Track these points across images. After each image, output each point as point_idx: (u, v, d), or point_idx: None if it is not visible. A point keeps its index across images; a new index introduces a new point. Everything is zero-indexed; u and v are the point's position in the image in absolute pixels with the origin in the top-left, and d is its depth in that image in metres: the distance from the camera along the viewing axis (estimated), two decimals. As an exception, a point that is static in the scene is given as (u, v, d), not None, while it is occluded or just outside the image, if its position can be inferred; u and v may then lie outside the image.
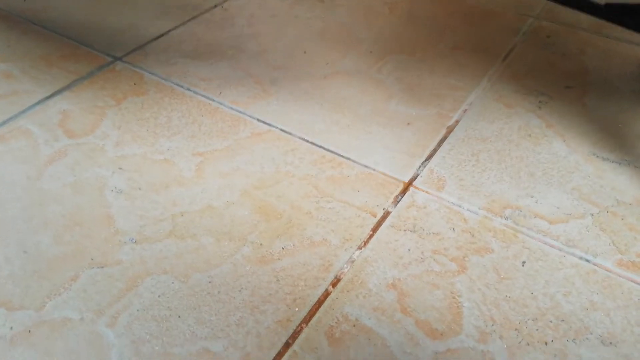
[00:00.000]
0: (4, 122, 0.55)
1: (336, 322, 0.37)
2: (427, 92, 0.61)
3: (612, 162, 0.52)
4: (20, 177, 0.49)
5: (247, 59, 0.66)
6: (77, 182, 0.48)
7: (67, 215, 0.45)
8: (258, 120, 0.56)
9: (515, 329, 0.37)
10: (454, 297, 0.39)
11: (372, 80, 0.62)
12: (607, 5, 0.60)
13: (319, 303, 0.39)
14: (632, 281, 0.40)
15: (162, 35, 0.70)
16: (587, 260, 0.42)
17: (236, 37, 0.70)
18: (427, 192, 0.48)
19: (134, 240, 0.42)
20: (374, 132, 0.55)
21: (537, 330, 0.37)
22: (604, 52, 0.68)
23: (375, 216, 0.45)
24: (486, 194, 0.48)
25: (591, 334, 0.37)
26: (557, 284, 0.40)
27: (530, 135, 0.55)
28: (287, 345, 0.36)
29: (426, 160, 0.51)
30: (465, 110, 0.58)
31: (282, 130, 0.55)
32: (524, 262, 0.41)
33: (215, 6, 0.76)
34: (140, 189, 0.48)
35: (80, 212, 0.45)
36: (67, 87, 0.60)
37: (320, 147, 0.53)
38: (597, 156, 0.52)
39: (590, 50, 0.68)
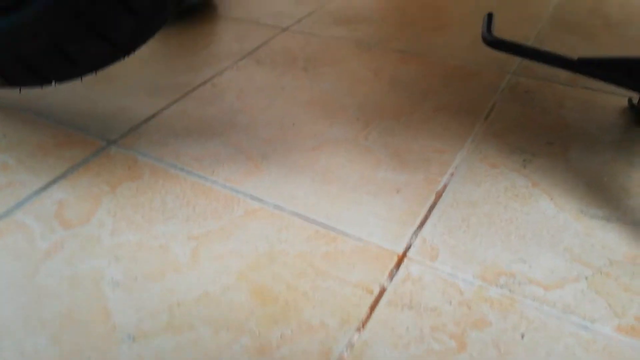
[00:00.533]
0: (1, 217, 0.56)
1: (339, 412, 0.37)
2: (414, 156, 0.62)
3: (601, 218, 0.52)
4: (16, 274, 0.49)
5: (238, 134, 0.67)
6: (73, 275, 0.49)
7: (65, 312, 0.45)
8: (251, 197, 0.57)
9: (520, 407, 0.37)
10: (455, 376, 0.39)
11: (359, 148, 0.64)
12: (580, 60, 0.63)
13: (321, 392, 0.38)
14: (632, 348, 0.40)
15: (154, 115, 0.72)
16: (586, 328, 0.42)
17: (226, 112, 0.72)
18: (421, 263, 0.48)
19: (131, 338, 0.42)
20: (364, 202, 0.56)
21: (541, 406, 0.37)
22: (582, 104, 0.70)
23: (371, 293, 0.46)
24: (479, 260, 0.48)
25: (596, 407, 0.36)
26: (558, 356, 0.40)
27: (517, 196, 0.56)
28: None
29: (418, 228, 0.52)
30: (452, 174, 0.59)
31: (275, 206, 0.56)
32: (523, 334, 0.41)
33: (205, 82, 0.79)
34: (136, 279, 0.48)
35: (78, 309, 0.45)
36: (62, 176, 0.61)
37: (313, 221, 0.54)
38: (585, 213, 0.53)
39: (569, 103, 0.70)
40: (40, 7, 0.52)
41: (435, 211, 0.54)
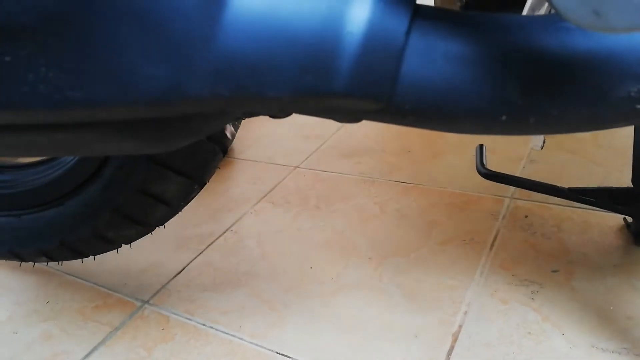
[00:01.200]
0: (47, 392, 0.60)
1: None
2: (427, 296, 0.66)
3: (612, 352, 0.55)
4: None
5: (260, 284, 0.72)
6: None
7: None
8: (277, 353, 0.61)
9: None
10: None
11: (375, 291, 0.68)
12: (570, 189, 0.68)
13: None
14: None
15: (182, 270, 0.78)
16: None
17: (248, 261, 0.78)
18: (444, 417, 0.50)
19: None
20: (385, 350, 0.59)
21: None
22: (580, 226, 0.74)
23: None
24: (501, 410, 0.50)
25: None
26: None
27: (530, 333, 0.58)
28: None
29: (438, 377, 0.55)
30: (465, 312, 0.63)
31: (300, 361, 0.59)
32: None
33: (226, 230, 0.86)
34: None
35: None
36: (102, 342, 0.66)
37: (338, 376, 0.57)
38: (597, 348, 0.55)
39: (567, 226, 0.75)
40: (82, 203, 0.60)
41: (453, 357, 0.57)
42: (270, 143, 1.16)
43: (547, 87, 0.26)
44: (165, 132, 0.28)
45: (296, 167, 1.03)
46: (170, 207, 0.61)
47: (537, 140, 0.52)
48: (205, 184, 0.62)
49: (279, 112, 0.28)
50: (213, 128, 0.31)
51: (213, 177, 1.03)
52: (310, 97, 0.25)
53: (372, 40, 0.24)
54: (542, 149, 0.53)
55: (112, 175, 0.58)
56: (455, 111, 0.26)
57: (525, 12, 0.41)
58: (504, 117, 0.27)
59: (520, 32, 0.25)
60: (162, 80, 0.24)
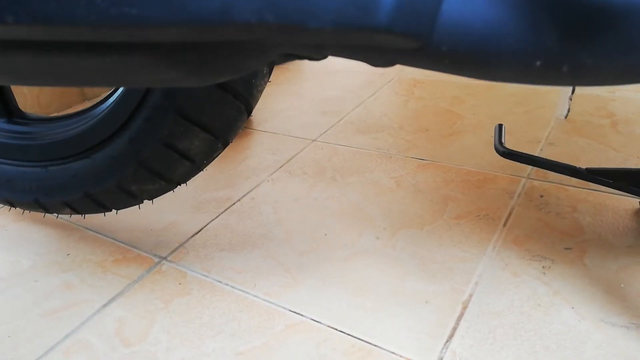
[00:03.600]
0: (68, 336, 0.63)
1: None
2: (439, 266, 0.67)
3: (621, 326, 0.55)
4: (85, 394, 0.54)
5: (276, 247, 0.74)
6: (134, 395, 0.54)
7: None
8: (290, 311, 0.63)
9: None
10: None
11: (388, 259, 0.69)
12: (588, 170, 0.68)
13: None
14: None
15: (199, 230, 0.79)
16: None
17: (264, 225, 0.79)
18: (452, 377, 0.52)
19: None
20: (396, 315, 0.60)
21: None
22: (595, 207, 0.75)
23: (407, 409, 0.49)
24: (508, 374, 0.51)
25: None
26: None
27: (539, 305, 0.59)
28: None
29: (447, 341, 0.56)
30: (476, 283, 0.64)
31: (312, 320, 0.61)
32: None
33: (244, 195, 0.87)
34: (191, 397, 0.53)
35: None
36: (120, 293, 0.68)
37: (349, 335, 0.58)
38: (606, 322, 0.56)
39: (582, 207, 0.75)
40: (109, 155, 0.62)
41: (462, 323, 0.58)
42: (288, 117, 1.17)
43: (583, 35, 0.26)
44: (206, 63, 0.29)
45: (314, 140, 1.04)
46: (194, 164, 0.62)
47: (562, 108, 0.52)
48: (229, 143, 0.63)
49: (318, 49, 0.29)
50: (250, 65, 0.32)
51: (232, 146, 1.05)
52: (351, 31, 0.25)
53: (416, -25, 0.25)
54: (566, 118, 0.53)
55: (139, 128, 0.59)
56: (491, 54, 0.27)
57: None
58: (538, 63, 0.27)
59: (561, -23, 0.25)
60: (212, 1, 0.25)
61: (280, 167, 0.95)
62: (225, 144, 0.63)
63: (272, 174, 0.93)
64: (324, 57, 0.31)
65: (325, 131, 1.07)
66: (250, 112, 0.62)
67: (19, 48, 0.29)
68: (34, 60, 0.30)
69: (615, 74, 0.28)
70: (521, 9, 0.26)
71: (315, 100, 1.24)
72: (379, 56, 0.29)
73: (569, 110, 0.53)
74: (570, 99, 0.57)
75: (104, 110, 0.63)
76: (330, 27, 0.25)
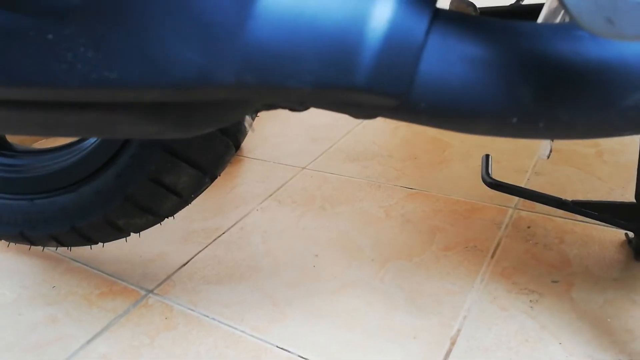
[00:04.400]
0: (50, 373, 0.61)
1: None
2: (427, 299, 0.67)
3: (608, 363, 0.55)
4: None
5: (264, 279, 0.74)
6: None
7: None
8: (277, 347, 0.62)
9: None
10: None
11: (376, 291, 0.69)
12: (574, 202, 0.69)
13: None
14: None
15: (187, 262, 0.79)
16: None
17: (252, 256, 0.79)
18: (440, 417, 0.51)
19: None
20: (384, 350, 0.60)
21: None
22: (582, 239, 0.75)
23: None
24: (496, 413, 0.51)
25: None
26: None
27: (527, 340, 0.59)
28: None
29: (435, 378, 0.56)
30: (464, 317, 0.63)
31: (300, 356, 0.60)
32: None
33: (233, 225, 0.87)
34: None
35: None
36: (106, 328, 0.67)
37: (337, 372, 0.58)
38: (593, 358, 0.56)
39: (569, 238, 0.76)
40: (95, 190, 0.61)
41: (451, 359, 0.58)
42: (278, 144, 1.17)
43: (559, 92, 0.27)
44: (188, 118, 0.29)
45: (303, 168, 1.04)
46: (181, 198, 0.62)
47: (544, 149, 0.53)
48: (216, 177, 0.63)
49: (299, 104, 0.29)
50: (233, 117, 0.32)
51: (222, 174, 1.05)
52: (331, 90, 0.26)
53: (393, 38, 0.25)
54: (548, 158, 0.54)
55: (126, 164, 0.59)
56: (468, 111, 0.28)
57: (539, 22, 0.42)
58: (514, 120, 0.28)
59: (535, 38, 0.26)
60: (193, 65, 0.25)
61: (270, 195, 0.96)
62: (213, 178, 0.64)
63: (261, 203, 0.93)
64: (306, 108, 0.31)
65: (315, 159, 1.08)
66: (239, 146, 0.62)
67: (2, 105, 0.29)
68: (17, 115, 0.30)
69: (590, 128, 0.29)
70: (495, 69, 0.26)
71: (305, 127, 1.25)
72: (360, 111, 0.29)
73: (551, 151, 0.54)
74: (552, 140, 0.59)
75: (91, 145, 0.63)
76: (309, 87, 0.26)
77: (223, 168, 0.63)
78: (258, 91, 0.26)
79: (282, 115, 1.34)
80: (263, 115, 1.34)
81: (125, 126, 0.30)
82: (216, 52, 0.25)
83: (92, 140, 0.63)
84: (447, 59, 0.26)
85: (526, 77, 0.26)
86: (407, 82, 0.26)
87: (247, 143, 1.18)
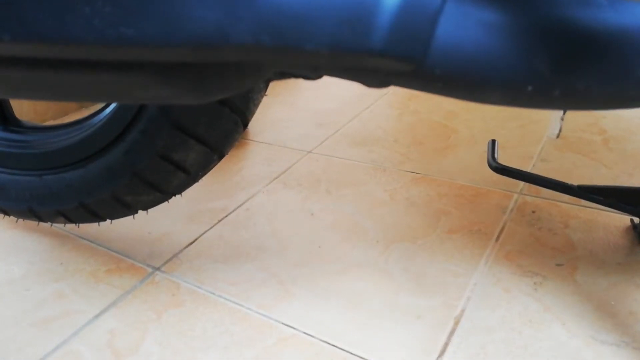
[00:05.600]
0: (59, 346, 0.62)
1: None
2: (431, 280, 0.67)
3: (611, 344, 0.56)
4: (74, 406, 0.54)
5: (270, 259, 0.74)
6: (124, 407, 0.53)
7: None
8: (283, 324, 0.62)
9: None
10: None
11: (381, 273, 0.70)
12: (580, 187, 0.69)
13: None
14: None
15: (194, 241, 0.79)
16: None
17: (258, 237, 0.79)
18: (443, 393, 0.52)
19: None
20: (388, 329, 0.61)
21: None
22: (587, 224, 0.75)
23: None
24: (499, 390, 0.52)
25: None
26: None
27: (531, 321, 0.60)
28: None
29: (439, 356, 0.56)
30: (468, 298, 0.64)
31: (305, 333, 0.61)
32: None
33: (239, 206, 0.87)
34: (181, 411, 0.52)
35: None
36: (113, 304, 0.68)
37: (341, 349, 0.58)
38: (596, 339, 0.57)
39: (574, 223, 0.76)
40: (104, 166, 0.62)
41: (454, 338, 0.58)
42: (284, 128, 1.17)
43: (575, 60, 0.27)
44: (202, 81, 0.30)
45: (309, 152, 1.05)
46: (189, 175, 0.62)
47: (554, 128, 0.53)
48: (224, 155, 0.64)
49: (313, 69, 0.29)
50: (247, 84, 0.32)
51: (228, 156, 1.05)
52: (347, 54, 0.26)
53: (410, 2, 0.25)
54: (558, 137, 0.54)
55: (135, 140, 0.59)
56: (483, 78, 0.28)
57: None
58: (530, 88, 0.28)
59: (553, 4, 0.26)
60: (209, 23, 0.25)
61: (276, 178, 0.96)
62: (221, 156, 0.64)
63: (267, 185, 0.94)
64: (319, 76, 0.31)
65: (321, 143, 1.08)
66: (247, 125, 0.62)
67: (14, 64, 0.29)
68: (29, 75, 0.30)
69: (606, 99, 0.29)
70: (514, 35, 0.26)
71: (311, 111, 1.25)
72: (373, 78, 0.29)
73: (560, 130, 0.54)
74: (562, 119, 0.58)
75: (100, 121, 0.63)
76: (325, 49, 0.26)
77: (231, 146, 0.63)
78: (274, 53, 0.26)
79: (288, 100, 1.34)
80: (269, 99, 1.34)
81: (138, 89, 0.30)
82: (234, 11, 0.25)
83: (101, 116, 0.64)
84: (464, 24, 0.26)
85: (543, 44, 0.26)
86: (423, 46, 0.26)
87: (254, 127, 1.19)
